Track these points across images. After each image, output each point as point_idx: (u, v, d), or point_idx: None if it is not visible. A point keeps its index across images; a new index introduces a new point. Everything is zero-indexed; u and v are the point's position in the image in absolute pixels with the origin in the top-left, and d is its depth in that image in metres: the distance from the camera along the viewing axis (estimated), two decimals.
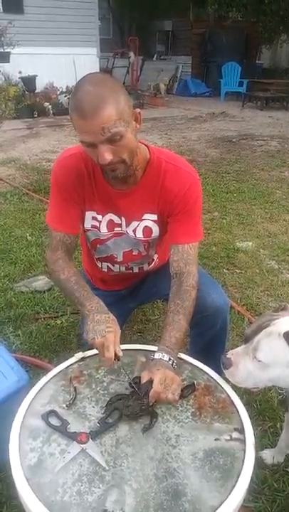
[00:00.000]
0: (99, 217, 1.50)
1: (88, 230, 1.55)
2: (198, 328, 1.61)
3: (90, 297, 1.35)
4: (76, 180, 1.43)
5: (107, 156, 1.20)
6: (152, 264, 1.72)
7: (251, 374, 1.14)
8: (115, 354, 1.18)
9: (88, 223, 1.53)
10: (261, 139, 7.59)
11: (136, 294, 1.86)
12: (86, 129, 1.18)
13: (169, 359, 1.20)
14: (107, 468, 0.98)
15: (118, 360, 1.20)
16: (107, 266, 1.69)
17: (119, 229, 1.52)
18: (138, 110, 1.29)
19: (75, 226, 1.51)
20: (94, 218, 1.51)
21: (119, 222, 1.50)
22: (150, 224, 1.49)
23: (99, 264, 1.71)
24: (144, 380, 1.16)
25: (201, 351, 1.59)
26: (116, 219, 1.50)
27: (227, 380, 1.23)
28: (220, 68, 12.37)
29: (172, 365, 1.20)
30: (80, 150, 1.41)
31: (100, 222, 1.51)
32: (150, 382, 1.14)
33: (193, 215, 1.44)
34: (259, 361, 1.12)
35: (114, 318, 1.29)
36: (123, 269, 1.68)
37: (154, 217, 1.48)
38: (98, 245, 1.59)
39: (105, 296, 1.81)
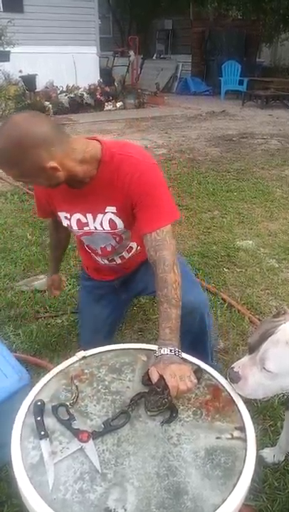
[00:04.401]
0: (68, 215, 1.58)
1: (67, 226, 1.65)
2: None
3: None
4: (44, 190, 1.58)
5: (32, 185, 1.34)
6: (133, 251, 1.75)
7: (261, 385, 1.12)
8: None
9: (64, 222, 1.62)
10: (261, 138, 7.59)
11: (127, 286, 1.90)
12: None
13: (170, 350, 1.21)
14: (100, 471, 0.97)
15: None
16: (93, 257, 1.78)
17: (88, 228, 1.58)
18: (52, 164, 1.30)
19: (54, 215, 1.68)
20: (66, 218, 1.60)
21: (86, 221, 1.56)
22: (112, 216, 1.52)
23: (89, 251, 1.79)
24: (152, 376, 1.16)
25: (186, 351, 1.60)
26: (82, 218, 1.56)
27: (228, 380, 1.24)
28: (220, 67, 12.34)
29: (175, 354, 1.21)
30: None
31: (70, 220, 1.59)
32: (162, 377, 1.14)
33: (154, 201, 1.43)
34: (268, 371, 1.09)
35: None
36: (106, 261, 1.76)
37: (113, 209, 1.50)
38: (81, 238, 1.70)
39: (98, 287, 1.89)
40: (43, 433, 1.05)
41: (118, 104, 10.62)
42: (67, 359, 1.33)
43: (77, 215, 1.56)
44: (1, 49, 8.73)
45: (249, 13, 15.15)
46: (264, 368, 1.10)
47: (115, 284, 1.89)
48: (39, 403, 1.13)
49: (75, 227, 1.60)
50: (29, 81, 9.55)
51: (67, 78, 10.53)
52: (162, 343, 1.25)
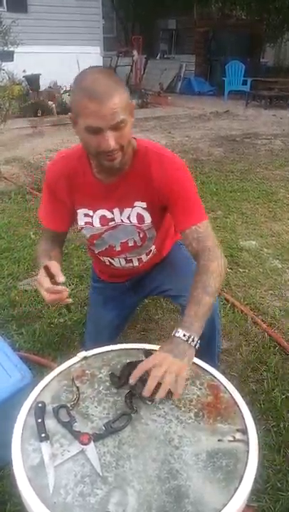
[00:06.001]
0: (90, 212, 1.54)
1: (82, 228, 1.59)
2: None
3: (43, 259, 1.41)
4: (66, 183, 1.50)
5: (111, 141, 1.23)
6: (151, 254, 1.73)
7: None
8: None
9: (82, 221, 1.57)
10: (265, 138, 7.57)
11: (139, 287, 1.88)
12: (97, 113, 1.20)
13: (184, 335, 1.17)
14: (101, 474, 0.96)
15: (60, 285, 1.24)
16: (108, 260, 1.72)
17: (113, 222, 1.55)
18: (133, 103, 1.33)
19: (64, 224, 1.61)
20: (86, 215, 1.55)
21: (112, 216, 1.53)
22: (141, 211, 1.51)
23: (102, 259, 1.75)
24: (137, 371, 1.14)
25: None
26: (108, 214, 1.53)
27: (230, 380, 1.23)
28: (224, 67, 12.31)
29: (187, 341, 1.17)
30: (69, 152, 1.52)
31: (92, 217, 1.55)
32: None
33: (190, 198, 1.45)
34: None
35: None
36: (123, 262, 1.70)
37: (144, 204, 1.50)
38: (95, 240, 1.63)
39: (110, 288, 1.87)
40: (43, 435, 1.04)
41: None
42: (70, 358, 1.32)
43: (102, 211, 1.53)
44: (5, 49, 8.72)
45: (253, 12, 15.14)
46: None
47: (127, 284, 1.87)
48: (40, 405, 1.12)
49: (97, 224, 1.55)
50: (33, 81, 9.57)
51: (71, 78, 10.32)
52: (182, 324, 1.21)
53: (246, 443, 1.04)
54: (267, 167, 5.78)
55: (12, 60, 8.89)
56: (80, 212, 1.55)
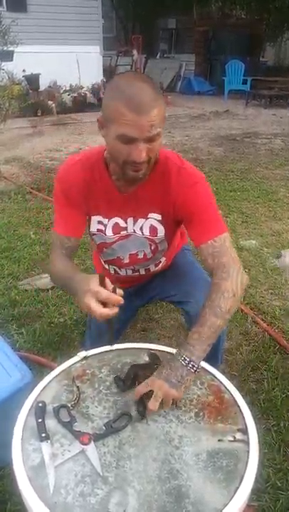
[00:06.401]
0: (105, 221, 1.49)
1: (94, 234, 1.55)
2: None
3: (75, 273, 1.31)
4: (82, 187, 1.42)
5: (143, 154, 1.19)
6: (159, 266, 1.72)
7: None
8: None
9: (94, 227, 1.52)
10: (265, 137, 7.57)
11: (142, 293, 1.86)
12: (135, 123, 1.15)
13: (184, 359, 1.14)
14: (102, 474, 0.96)
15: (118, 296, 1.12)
16: (114, 269, 1.69)
17: (125, 232, 1.50)
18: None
19: (77, 229, 1.49)
20: (100, 222, 1.50)
21: (125, 225, 1.49)
22: (155, 223, 1.48)
23: (106, 267, 1.72)
24: (139, 390, 1.13)
25: None
26: (122, 222, 1.48)
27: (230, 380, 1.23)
28: (223, 66, 12.31)
29: (187, 366, 1.13)
30: (85, 157, 1.44)
31: (105, 226, 1.50)
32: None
33: (208, 212, 1.39)
34: None
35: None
36: (130, 272, 1.67)
37: (159, 216, 1.46)
38: (104, 249, 1.58)
39: None
40: (44, 435, 1.04)
41: None
42: (70, 358, 1.32)
43: (116, 219, 1.48)
44: (5, 48, 8.72)
45: (253, 12, 15.14)
46: None
47: (130, 290, 1.83)
48: (40, 404, 1.12)
49: (109, 232, 1.50)
50: (32, 80, 9.57)
51: (71, 77, 10.54)
52: (185, 346, 1.17)
53: (247, 443, 1.04)
54: (267, 166, 5.78)
55: (12, 60, 8.88)
56: (94, 219, 1.50)
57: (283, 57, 17.03)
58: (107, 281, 1.14)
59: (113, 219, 1.48)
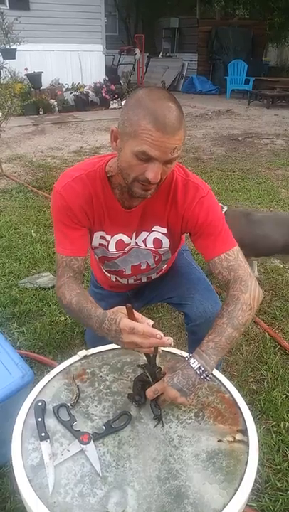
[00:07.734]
0: (108, 237, 1.45)
1: (96, 248, 1.51)
2: (193, 335, 1.61)
3: (91, 308, 1.24)
4: (84, 204, 1.35)
5: (158, 175, 1.16)
6: (162, 273, 1.72)
7: None
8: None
9: (96, 242, 1.48)
10: (267, 138, 7.56)
11: (140, 296, 1.84)
12: (159, 143, 1.10)
13: (199, 368, 1.11)
14: (101, 474, 0.96)
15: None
16: (116, 278, 1.67)
17: (128, 247, 1.48)
18: None
19: (83, 248, 1.41)
20: (102, 238, 1.46)
21: (129, 242, 1.46)
22: (160, 236, 1.45)
23: (108, 275, 1.69)
24: (150, 392, 1.12)
25: None
26: (126, 239, 1.45)
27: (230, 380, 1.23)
28: (226, 66, 12.31)
29: (199, 374, 1.10)
30: (84, 172, 1.36)
31: (108, 242, 1.46)
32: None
33: (217, 226, 1.37)
34: None
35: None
36: (132, 281, 1.66)
37: (164, 230, 1.44)
38: (106, 261, 1.56)
39: (110, 296, 1.82)
40: (43, 434, 1.04)
41: (123, 103, 10.59)
42: (70, 357, 1.32)
43: (120, 236, 1.44)
44: (7, 47, 8.74)
45: (256, 12, 15.12)
46: None
47: (128, 294, 1.82)
48: (40, 404, 1.12)
49: (112, 248, 1.47)
50: (35, 79, 9.56)
51: (73, 76, 10.54)
52: (199, 352, 1.14)
53: (246, 444, 1.04)
54: (269, 167, 5.77)
55: (14, 58, 8.91)
56: (97, 234, 1.45)
57: (286, 58, 17.02)
58: (134, 312, 1.08)
59: (117, 235, 1.44)
